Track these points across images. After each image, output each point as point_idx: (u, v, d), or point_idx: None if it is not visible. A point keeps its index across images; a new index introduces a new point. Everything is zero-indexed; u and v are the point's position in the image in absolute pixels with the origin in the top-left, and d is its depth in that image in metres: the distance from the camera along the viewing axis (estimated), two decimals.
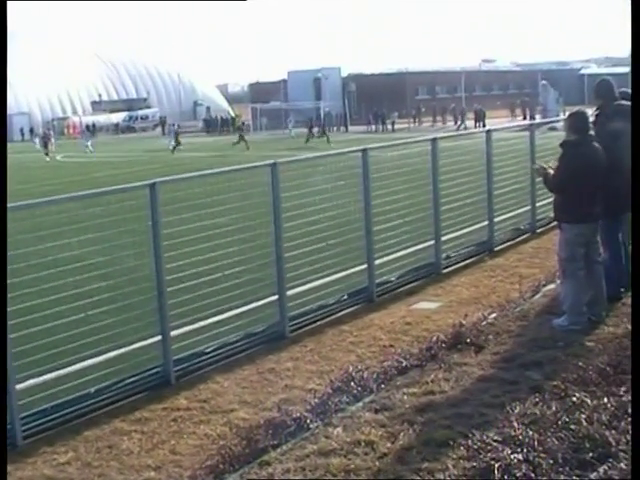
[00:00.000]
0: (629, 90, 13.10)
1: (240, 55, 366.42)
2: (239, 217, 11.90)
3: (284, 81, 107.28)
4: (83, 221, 10.66)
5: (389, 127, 79.01)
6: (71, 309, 9.25)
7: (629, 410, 7.05)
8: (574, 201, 9.98)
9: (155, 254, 9.62)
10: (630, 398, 7.33)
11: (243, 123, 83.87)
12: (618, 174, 10.62)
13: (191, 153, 56.70)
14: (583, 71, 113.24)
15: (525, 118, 75.52)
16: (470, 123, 73.63)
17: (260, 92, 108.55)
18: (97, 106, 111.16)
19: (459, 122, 76.55)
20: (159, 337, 9.72)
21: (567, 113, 11.30)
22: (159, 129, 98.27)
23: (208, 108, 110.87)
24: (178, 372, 9.73)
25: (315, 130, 67.13)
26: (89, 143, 67.01)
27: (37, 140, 73.85)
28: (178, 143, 60.71)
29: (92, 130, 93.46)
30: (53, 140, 70.97)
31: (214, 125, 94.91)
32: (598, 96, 11.54)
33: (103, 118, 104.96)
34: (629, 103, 11.70)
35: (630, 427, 5.34)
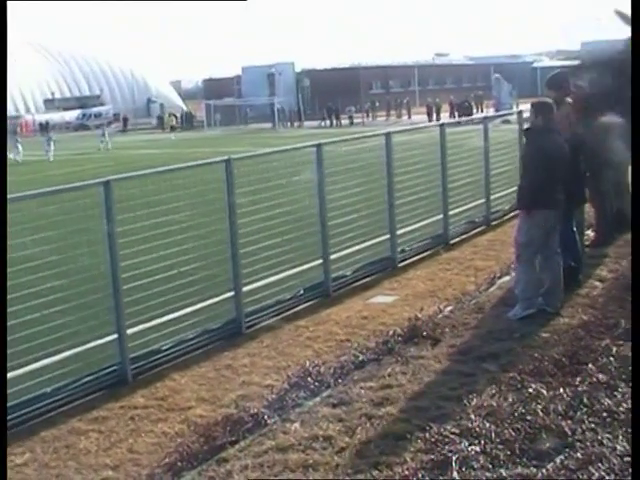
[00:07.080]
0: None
1: (194, 51, 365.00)
2: (194, 214, 11.85)
3: (238, 77, 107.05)
4: (37, 220, 10.55)
5: (344, 122, 78.94)
6: (26, 309, 9.12)
7: (584, 400, 7.13)
8: (541, 187, 10.00)
9: (110, 252, 9.56)
10: (585, 388, 7.43)
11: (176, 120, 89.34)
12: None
13: (146, 150, 56.31)
14: (535, 64, 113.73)
15: (480, 112, 75.89)
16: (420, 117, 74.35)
17: (214, 88, 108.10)
18: (50, 104, 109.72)
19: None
20: (115, 335, 9.65)
21: (519, 106, 11.39)
22: (113, 126, 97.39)
23: (162, 105, 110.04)
24: (135, 370, 9.68)
25: None
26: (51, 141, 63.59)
27: None
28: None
29: (46, 128, 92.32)
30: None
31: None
32: (552, 88, 11.54)
33: (57, 116, 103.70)
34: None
35: (630, 428, 5.40)
